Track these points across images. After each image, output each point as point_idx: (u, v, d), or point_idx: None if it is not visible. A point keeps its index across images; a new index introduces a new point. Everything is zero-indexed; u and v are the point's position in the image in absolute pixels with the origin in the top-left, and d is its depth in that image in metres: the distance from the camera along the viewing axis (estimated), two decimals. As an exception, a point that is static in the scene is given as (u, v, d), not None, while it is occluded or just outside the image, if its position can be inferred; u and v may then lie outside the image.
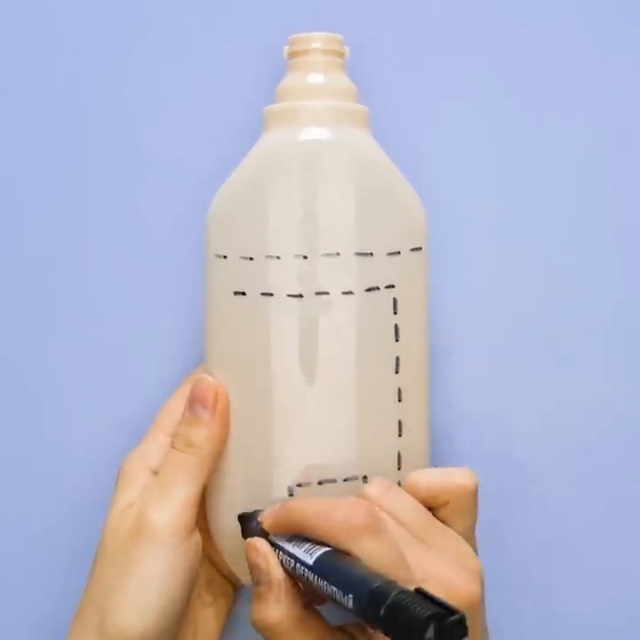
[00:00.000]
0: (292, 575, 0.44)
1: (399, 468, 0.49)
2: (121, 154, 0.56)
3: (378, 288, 0.48)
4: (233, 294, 0.48)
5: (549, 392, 0.55)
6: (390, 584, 0.39)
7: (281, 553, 0.44)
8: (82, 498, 0.56)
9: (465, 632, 0.37)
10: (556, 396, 0.55)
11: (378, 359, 0.48)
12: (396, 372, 0.49)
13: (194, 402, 0.49)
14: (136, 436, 0.52)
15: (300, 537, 0.44)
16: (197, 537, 0.48)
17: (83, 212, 0.56)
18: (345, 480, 0.48)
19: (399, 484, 0.48)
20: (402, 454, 0.49)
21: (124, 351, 0.56)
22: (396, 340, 0.49)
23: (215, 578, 0.53)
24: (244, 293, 0.48)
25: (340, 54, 0.50)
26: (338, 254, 0.47)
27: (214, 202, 0.50)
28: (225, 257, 0.49)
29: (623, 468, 0.55)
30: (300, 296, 0.47)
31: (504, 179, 0.55)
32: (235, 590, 0.54)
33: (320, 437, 0.48)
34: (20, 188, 0.56)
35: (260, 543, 0.45)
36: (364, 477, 0.48)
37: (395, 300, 0.48)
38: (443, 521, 0.47)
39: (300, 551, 0.43)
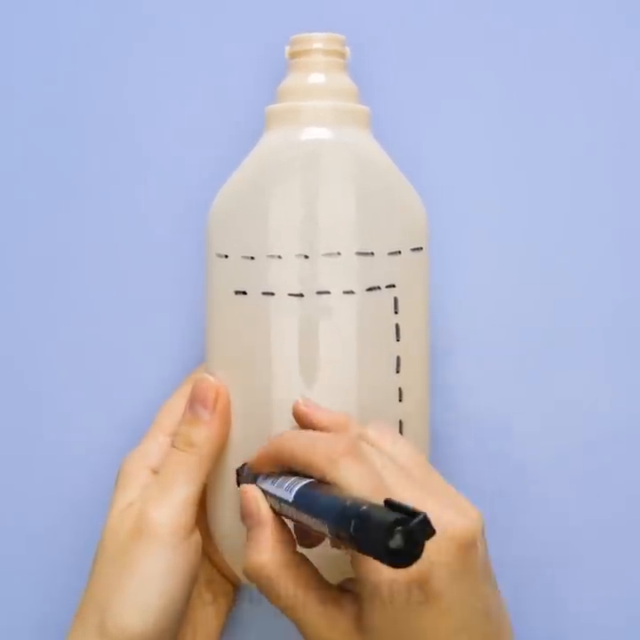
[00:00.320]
0: (282, 516, 0.44)
1: (400, 468, 0.49)
2: (121, 154, 0.56)
3: (379, 288, 0.48)
4: (234, 294, 0.48)
5: (549, 392, 0.55)
6: (360, 501, 0.38)
7: (269, 497, 0.45)
8: (82, 498, 0.56)
9: (431, 531, 0.36)
10: (556, 395, 0.55)
11: (378, 359, 0.48)
12: (397, 372, 0.49)
13: (194, 401, 0.49)
14: (136, 435, 0.52)
15: (287, 473, 0.44)
16: (197, 536, 0.48)
17: (83, 211, 0.56)
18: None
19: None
20: (402, 454, 0.49)
21: (123, 351, 0.56)
22: (397, 340, 0.49)
23: (215, 577, 0.53)
24: (245, 293, 0.48)
25: (342, 54, 0.50)
26: (339, 254, 0.47)
27: (216, 201, 0.50)
28: (226, 256, 0.49)
29: (623, 468, 0.55)
30: (301, 295, 0.47)
31: (504, 179, 0.55)
32: (235, 590, 0.54)
33: (321, 437, 0.48)
34: (21, 188, 0.56)
35: (249, 488, 0.45)
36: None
37: (395, 300, 0.49)
38: None
39: (281, 490, 0.44)
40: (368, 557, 0.38)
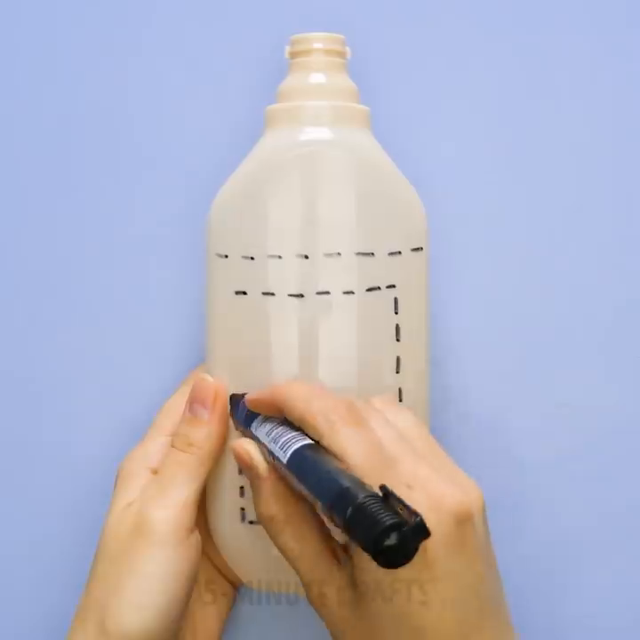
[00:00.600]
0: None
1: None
2: (121, 154, 0.56)
3: (379, 288, 0.48)
4: (234, 294, 0.48)
5: (549, 392, 0.55)
6: (359, 486, 0.38)
7: (262, 446, 0.45)
8: (82, 498, 0.56)
9: (426, 534, 0.36)
10: (556, 396, 0.55)
11: (378, 359, 0.48)
12: (397, 372, 0.49)
13: (194, 402, 0.49)
14: (136, 435, 0.52)
15: (283, 423, 0.44)
16: (197, 536, 0.48)
17: (83, 211, 0.56)
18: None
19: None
20: (402, 454, 0.49)
21: (124, 351, 0.56)
22: (397, 340, 0.49)
23: (215, 578, 0.53)
24: (245, 293, 0.48)
25: (342, 54, 0.50)
26: (339, 254, 0.48)
27: (216, 201, 0.50)
28: (226, 256, 0.49)
29: (623, 468, 0.55)
30: (301, 296, 0.47)
31: (504, 179, 0.55)
32: (234, 590, 0.54)
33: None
34: (21, 189, 0.56)
35: (238, 445, 0.45)
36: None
37: (396, 300, 0.49)
38: None
39: (276, 448, 0.43)
40: None
